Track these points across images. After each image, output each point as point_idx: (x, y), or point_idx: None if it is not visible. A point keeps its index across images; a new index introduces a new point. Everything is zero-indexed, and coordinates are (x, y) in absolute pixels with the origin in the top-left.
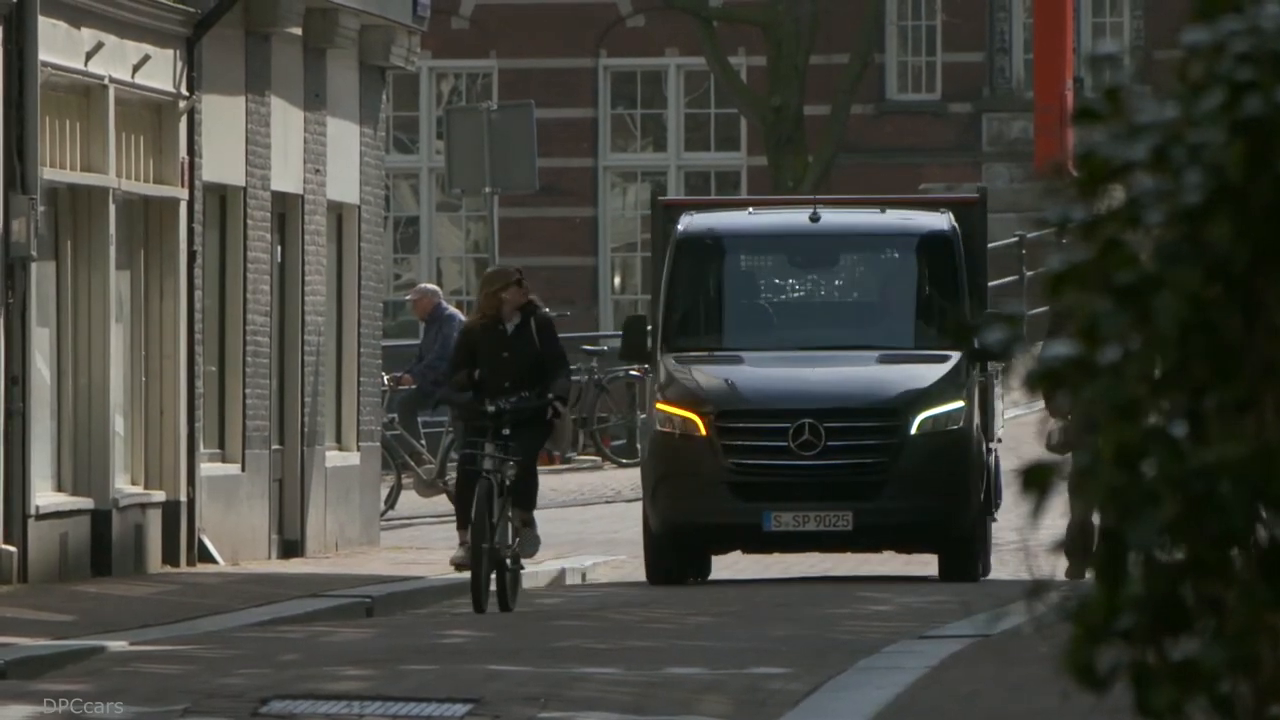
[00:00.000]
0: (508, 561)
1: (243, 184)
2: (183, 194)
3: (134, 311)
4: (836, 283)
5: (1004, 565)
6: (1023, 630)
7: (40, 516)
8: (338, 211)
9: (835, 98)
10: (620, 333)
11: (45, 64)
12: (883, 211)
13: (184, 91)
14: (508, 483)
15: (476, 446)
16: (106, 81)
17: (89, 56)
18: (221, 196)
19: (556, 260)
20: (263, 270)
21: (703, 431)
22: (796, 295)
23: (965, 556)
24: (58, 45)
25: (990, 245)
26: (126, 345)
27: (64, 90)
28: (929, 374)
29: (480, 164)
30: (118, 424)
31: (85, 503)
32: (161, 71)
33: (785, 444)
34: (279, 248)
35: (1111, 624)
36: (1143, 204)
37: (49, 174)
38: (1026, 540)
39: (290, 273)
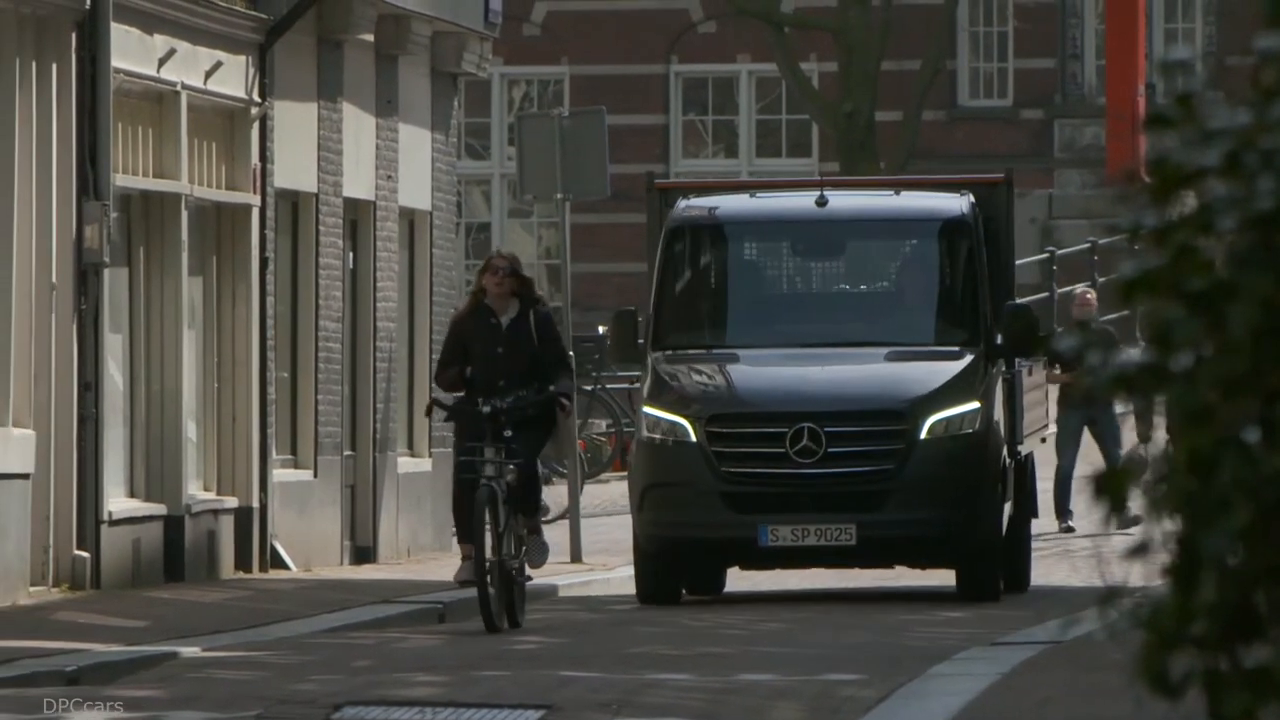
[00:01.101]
0: (514, 574)
1: (315, 190)
2: (255, 200)
3: (206, 318)
4: (843, 273)
5: (1076, 572)
6: (1095, 637)
7: (113, 522)
8: (410, 218)
9: (907, 104)
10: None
11: (118, 70)
12: (896, 194)
13: (256, 98)
14: (510, 488)
15: (474, 452)
16: (179, 88)
17: (161, 63)
18: (294, 203)
19: (628, 266)
20: (335, 276)
21: (693, 437)
22: (799, 287)
23: (984, 571)
24: (130, 52)
25: (1061, 252)
26: (199, 351)
27: (137, 97)
28: (941, 373)
29: (552, 170)
30: (190, 430)
31: (158, 509)
32: (234, 78)
33: (782, 450)
34: (351, 254)
35: (1184, 631)
36: (1215, 210)
37: (122, 180)
38: (1099, 547)
39: (362, 279)
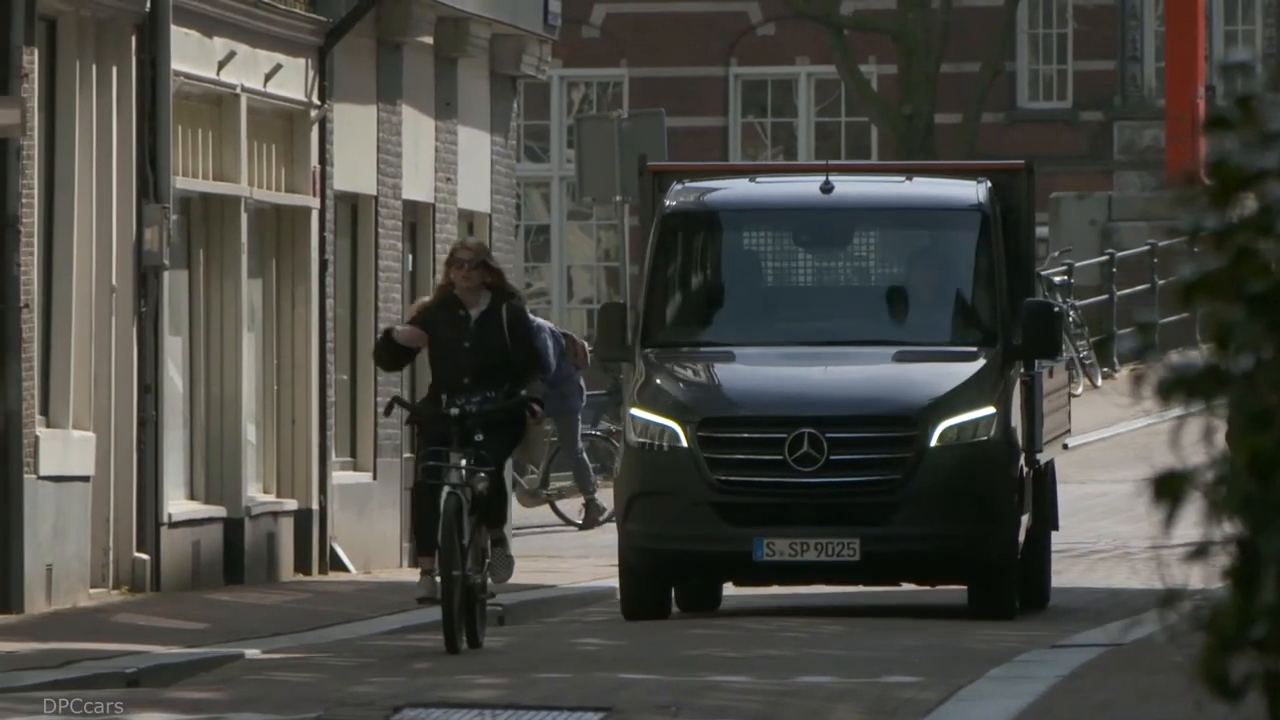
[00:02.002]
0: (477, 591)
1: (374, 193)
2: (314, 202)
3: (266, 320)
4: (849, 265)
5: (1136, 575)
6: (1155, 639)
7: (173, 525)
8: (469, 220)
9: (967, 106)
10: None
11: (178, 73)
12: (907, 180)
13: (316, 100)
14: (478, 498)
15: (438, 456)
16: (239, 91)
17: (221, 66)
18: (353, 205)
19: None
20: (394, 278)
21: (684, 442)
22: (801, 280)
23: (998, 589)
24: (190, 55)
25: (1121, 254)
26: (258, 354)
27: (196, 99)
28: (954, 375)
29: (611, 172)
30: (250, 432)
31: (218, 511)
32: (293, 81)
33: (781, 458)
34: (410, 256)
35: (1245, 633)
36: (1275, 212)
37: (181, 183)
38: (1159, 549)
39: (421, 281)
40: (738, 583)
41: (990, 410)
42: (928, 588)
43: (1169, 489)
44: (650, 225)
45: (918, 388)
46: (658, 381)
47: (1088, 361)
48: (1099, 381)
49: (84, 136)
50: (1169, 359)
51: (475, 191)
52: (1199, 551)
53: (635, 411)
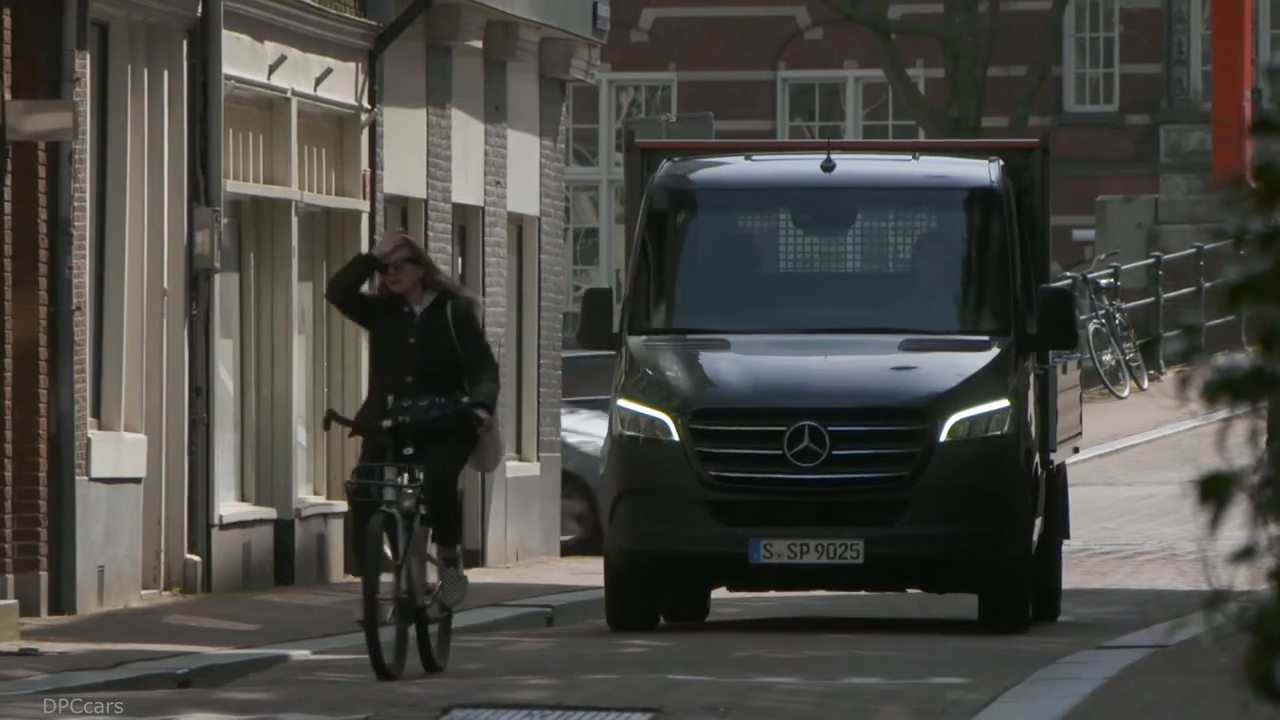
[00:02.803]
0: (428, 612)
1: (424, 196)
2: (364, 206)
3: (316, 322)
4: (852, 248)
5: (1182, 576)
6: (1201, 641)
7: (224, 526)
8: (518, 223)
9: (1013, 109)
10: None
11: (229, 77)
12: (914, 159)
13: (366, 104)
14: (419, 513)
15: (370, 473)
16: (289, 94)
17: (272, 70)
18: (403, 208)
19: None
20: None
21: (675, 435)
22: (801, 264)
23: (1011, 597)
24: (241, 59)
25: (1167, 257)
26: (308, 356)
27: (247, 103)
28: (965, 365)
29: None
30: (300, 434)
31: (268, 513)
32: (343, 85)
33: (779, 453)
34: (460, 259)
35: None
36: None
37: (232, 186)
38: (1205, 551)
39: (471, 284)
40: (732, 587)
41: (1004, 403)
42: (934, 595)
43: (1215, 491)
44: (637, 206)
45: (926, 378)
46: (646, 371)
47: (1134, 364)
48: (1145, 384)
49: (135, 140)
50: (1215, 361)
51: (524, 195)
52: (1245, 553)
53: (622, 403)
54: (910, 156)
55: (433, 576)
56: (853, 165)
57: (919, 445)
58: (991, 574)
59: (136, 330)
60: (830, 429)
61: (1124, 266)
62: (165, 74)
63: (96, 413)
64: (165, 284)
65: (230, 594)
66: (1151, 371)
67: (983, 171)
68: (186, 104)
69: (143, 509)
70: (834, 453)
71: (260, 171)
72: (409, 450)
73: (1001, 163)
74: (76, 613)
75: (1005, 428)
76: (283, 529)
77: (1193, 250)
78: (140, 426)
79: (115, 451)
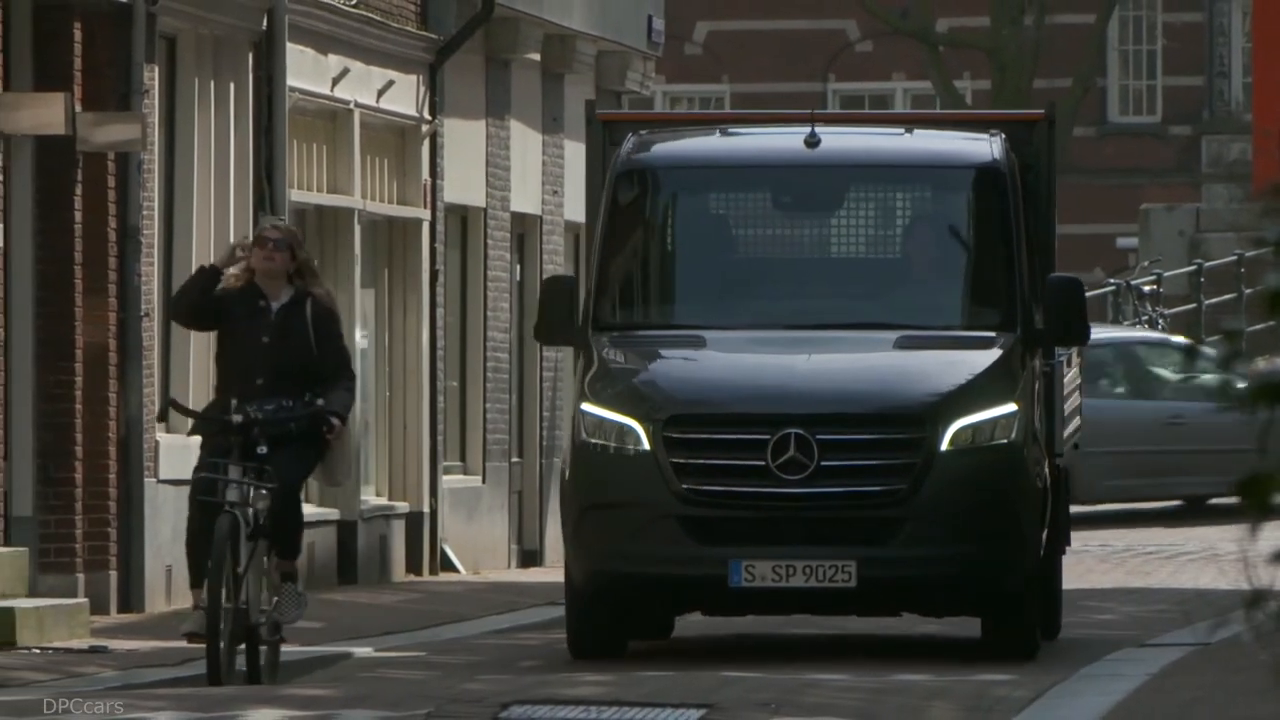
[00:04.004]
0: (261, 629)
1: (483, 205)
2: (425, 215)
3: (378, 328)
4: (840, 233)
5: (1223, 575)
6: (1242, 639)
7: None
8: (575, 232)
9: (1058, 120)
10: None
11: (293, 89)
12: (908, 133)
13: (427, 116)
14: (260, 520)
15: (215, 470)
16: (352, 106)
17: (335, 82)
18: (463, 217)
19: None
20: (503, 288)
21: (646, 444)
22: (783, 251)
23: (1019, 621)
24: (305, 71)
25: (1209, 264)
26: (371, 362)
27: (311, 115)
28: (968, 364)
29: None
30: (363, 438)
31: (332, 513)
32: (405, 96)
33: (762, 463)
34: (518, 266)
35: None
36: None
37: (297, 195)
38: (1245, 550)
39: (529, 291)
40: (709, 612)
41: (1011, 407)
42: (933, 619)
43: (1256, 492)
44: (600, 186)
45: (925, 380)
46: (613, 371)
47: None
48: None
49: (202, 150)
50: (1256, 366)
51: (581, 204)
52: None
53: (587, 407)
54: (903, 130)
55: (266, 595)
56: (840, 140)
57: (918, 455)
58: (998, 597)
59: (202, 336)
60: (819, 437)
61: (1167, 273)
62: (231, 86)
63: (164, 417)
64: None
65: None
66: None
67: (984, 146)
68: (252, 115)
69: None
70: (823, 463)
71: (324, 181)
72: (263, 449)
73: (1004, 136)
74: (145, 611)
75: (1013, 434)
76: (346, 529)
77: (1234, 257)
78: None
79: (183, 454)
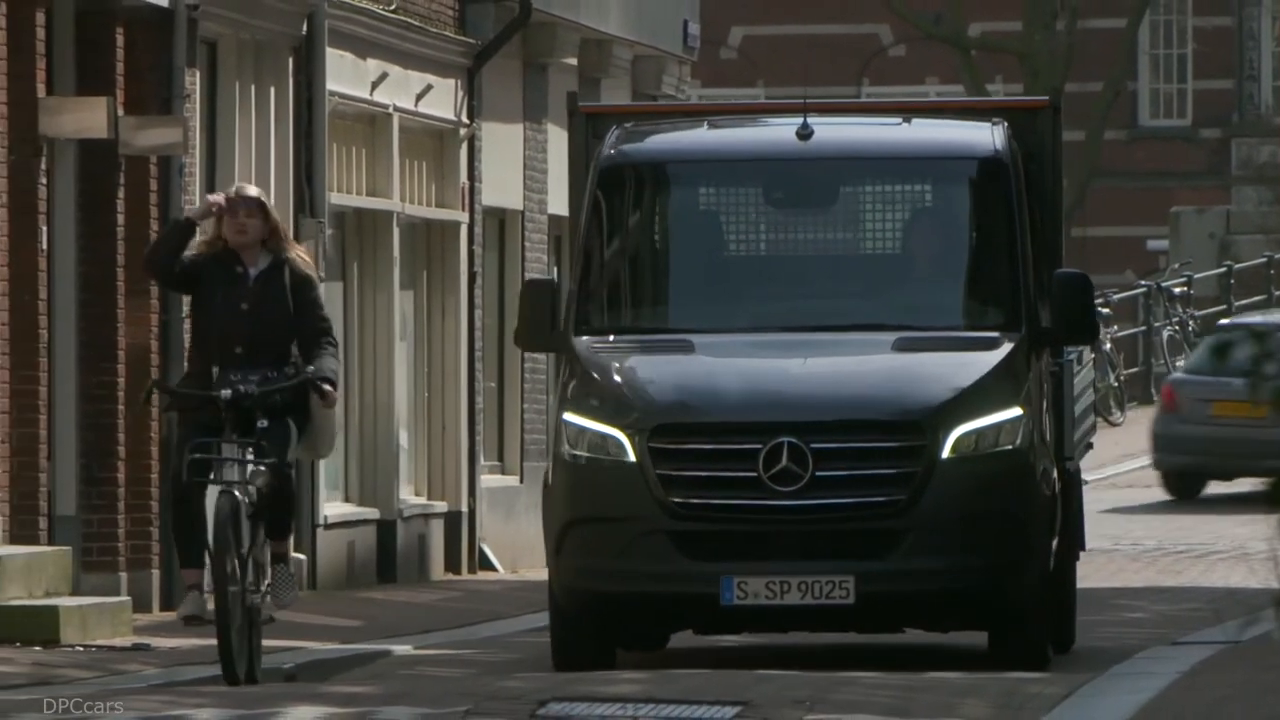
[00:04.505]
0: (255, 613)
1: (520, 207)
2: (463, 217)
3: (417, 330)
4: (835, 230)
5: (1253, 574)
6: (1272, 636)
7: (329, 526)
8: None
9: (1090, 124)
10: None
11: (333, 94)
12: (905, 123)
13: (465, 119)
14: (259, 499)
15: (207, 449)
16: (391, 110)
17: (374, 86)
18: (500, 219)
19: None
20: None
21: (631, 455)
22: (775, 249)
23: (1026, 632)
24: (345, 76)
25: (1238, 266)
26: (410, 362)
27: (351, 118)
28: (970, 367)
29: None
30: (402, 438)
31: (371, 513)
32: (443, 100)
33: (754, 474)
34: (555, 268)
35: None
36: None
37: (336, 198)
38: (1275, 550)
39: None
40: (700, 631)
41: (1016, 411)
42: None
43: None
44: (583, 181)
45: (925, 384)
46: (596, 378)
47: None
48: None
49: (243, 154)
50: None
51: None
52: None
53: (569, 417)
54: (901, 120)
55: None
56: (834, 131)
57: (918, 463)
58: (1004, 611)
59: None
60: (813, 446)
61: (1197, 275)
62: (272, 90)
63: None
64: None
65: (335, 591)
66: None
67: (985, 136)
68: (292, 119)
69: None
70: (818, 474)
71: (363, 184)
72: (263, 423)
73: (1006, 125)
74: None
75: (1019, 440)
76: (385, 529)
77: (1263, 259)
78: None
79: None
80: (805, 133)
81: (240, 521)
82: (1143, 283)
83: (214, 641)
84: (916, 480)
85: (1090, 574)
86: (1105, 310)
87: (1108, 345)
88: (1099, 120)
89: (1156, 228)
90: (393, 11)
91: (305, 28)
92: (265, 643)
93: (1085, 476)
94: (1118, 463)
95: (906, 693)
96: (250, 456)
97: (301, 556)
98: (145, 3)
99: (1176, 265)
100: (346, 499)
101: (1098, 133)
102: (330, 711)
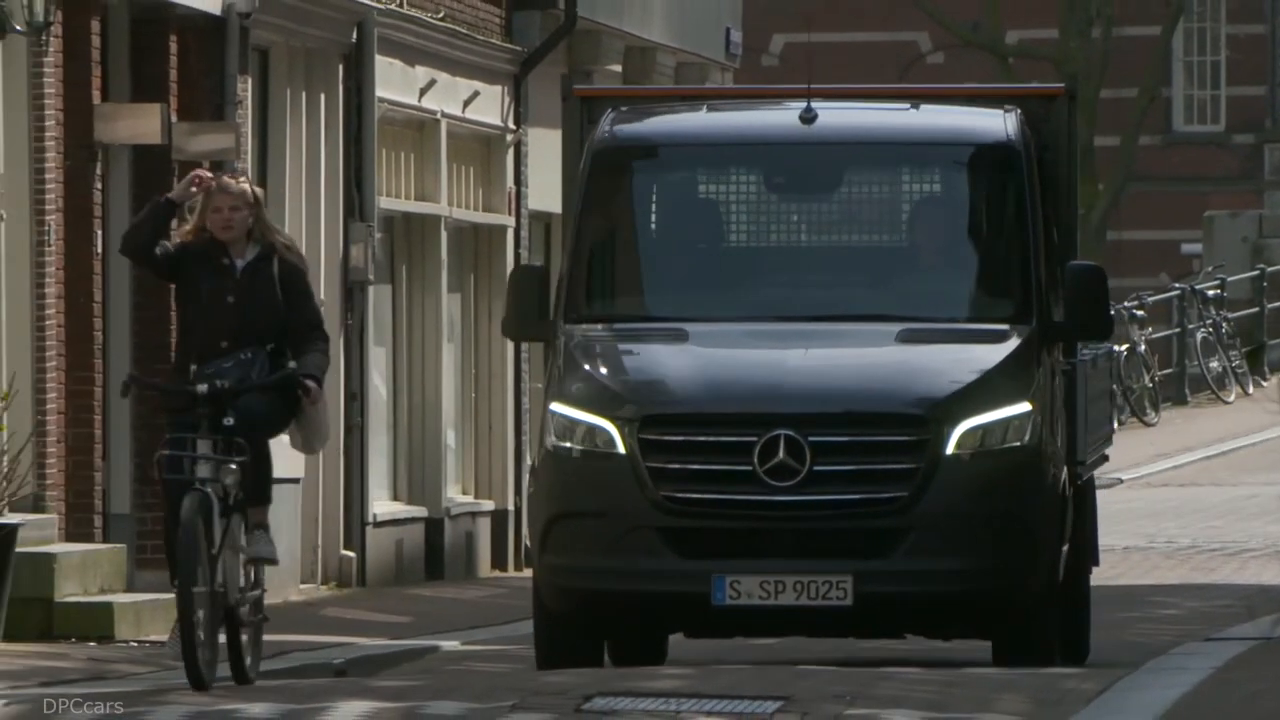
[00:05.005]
0: (241, 611)
1: None
2: (509, 221)
3: (464, 331)
4: (838, 217)
5: None
6: None
7: (378, 524)
8: None
9: (1125, 129)
10: None
11: (382, 100)
12: (914, 108)
13: (511, 125)
14: (231, 496)
15: (180, 445)
16: (439, 116)
17: (422, 93)
18: (546, 223)
19: None
20: None
21: (621, 447)
22: (774, 236)
23: (1031, 639)
24: (394, 83)
25: (1271, 269)
26: (457, 363)
27: (399, 125)
28: (977, 360)
29: None
30: (449, 437)
31: (419, 511)
32: (490, 107)
33: (749, 468)
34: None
35: None
36: None
37: (385, 203)
38: None
39: None
40: (691, 633)
41: (1025, 407)
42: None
43: None
44: (576, 166)
45: (929, 376)
46: (585, 367)
47: (1239, 371)
48: (1250, 389)
49: (294, 159)
50: None
51: None
52: None
53: (556, 407)
54: (909, 105)
55: (244, 575)
56: (839, 115)
57: (921, 459)
58: (1010, 617)
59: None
60: (811, 439)
61: (1230, 278)
62: (322, 97)
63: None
64: (322, 295)
65: (383, 588)
66: (1256, 378)
67: (997, 123)
68: (342, 125)
69: (301, 508)
70: (816, 468)
71: (411, 189)
72: (229, 420)
73: (1019, 113)
74: None
75: (1026, 437)
76: (433, 527)
77: None
78: None
79: (275, 453)
80: (809, 116)
81: (212, 521)
82: (1177, 285)
83: (266, 637)
84: (919, 477)
85: (1126, 571)
86: (1140, 312)
87: (1142, 347)
88: (1134, 126)
89: (1191, 231)
90: (440, 20)
91: (355, 35)
92: (315, 638)
93: (1121, 475)
94: (1152, 462)
95: (945, 688)
96: (221, 455)
97: (351, 554)
98: (199, 11)
99: (1210, 268)
100: (395, 498)
101: (1133, 138)
102: (379, 706)
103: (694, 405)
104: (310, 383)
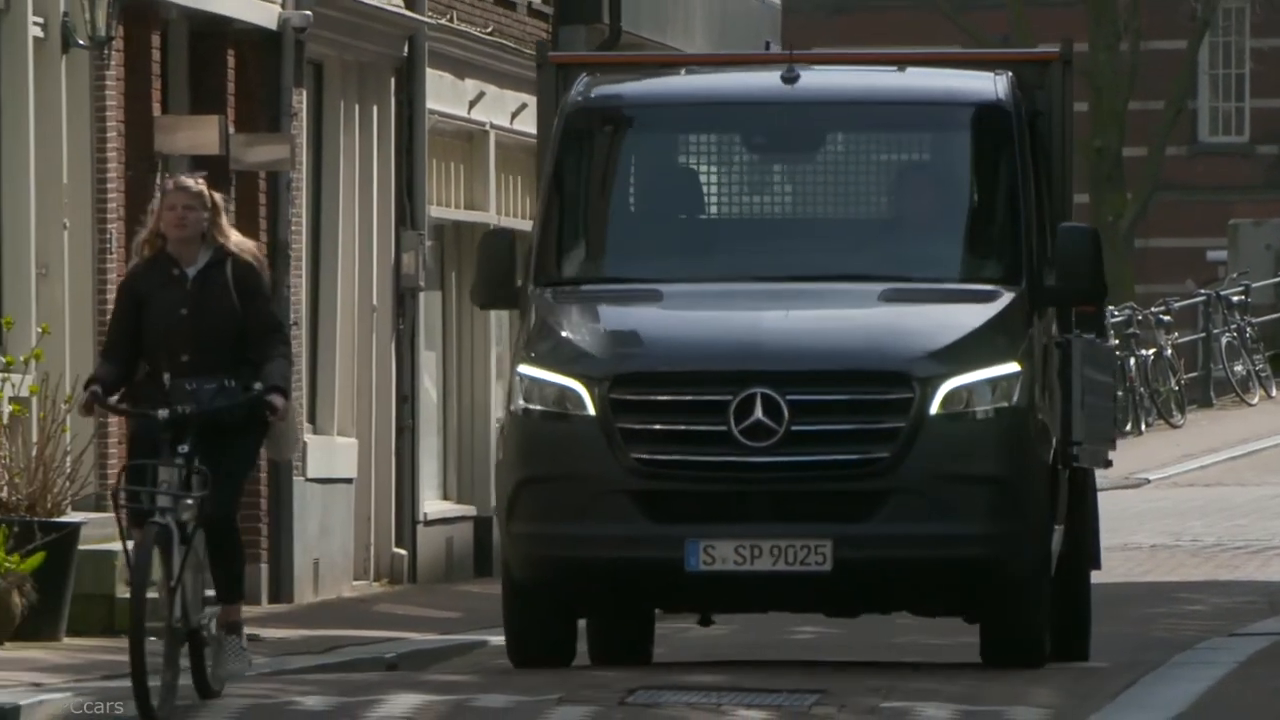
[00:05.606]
0: (204, 632)
1: None
2: None
3: (512, 335)
4: (820, 178)
5: None
6: None
7: (428, 523)
8: None
9: (1152, 140)
10: None
11: (432, 112)
12: (900, 71)
13: None
14: (187, 529)
15: (139, 475)
16: (488, 127)
17: (472, 105)
18: None
19: None
20: None
21: (590, 408)
22: (755, 198)
23: (1023, 620)
24: (444, 95)
25: None
26: (505, 366)
27: (449, 136)
28: (963, 319)
29: None
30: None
31: (469, 510)
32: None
33: (724, 428)
34: None
35: None
36: None
37: (436, 212)
38: None
39: None
40: (663, 604)
41: (1013, 367)
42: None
43: None
44: (549, 130)
45: (912, 335)
46: (554, 328)
47: (1263, 374)
48: (1274, 392)
49: (347, 169)
50: None
51: None
52: None
53: (524, 369)
54: (896, 68)
55: (207, 590)
56: (822, 77)
57: (903, 419)
58: (998, 588)
59: (348, 344)
60: (789, 398)
61: (1254, 285)
62: (374, 109)
63: (312, 418)
64: (374, 301)
65: (434, 585)
66: (1279, 380)
67: (986, 85)
68: (394, 136)
69: (354, 507)
70: (794, 428)
71: (461, 198)
72: (184, 448)
73: (1011, 75)
74: (294, 601)
75: (1015, 398)
76: (482, 525)
77: None
78: (352, 431)
79: (329, 454)
80: (790, 76)
81: (170, 552)
82: (1202, 291)
83: (319, 632)
84: (901, 437)
85: (1152, 569)
86: (1166, 318)
87: (1169, 351)
88: (1161, 137)
89: (1216, 239)
90: (489, 34)
91: (406, 49)
92: (367, 633)
93: (1148, 475)
94: (1179, 463)
95: (976, 682)
96: (179, 490)
97: (403, 552)
98: (255, 26)
99: (1235, 275)
100: (445, 497)
101: (1160, 149)
102: (429, 699)
103: (666, 363)
104: (277, 398)
